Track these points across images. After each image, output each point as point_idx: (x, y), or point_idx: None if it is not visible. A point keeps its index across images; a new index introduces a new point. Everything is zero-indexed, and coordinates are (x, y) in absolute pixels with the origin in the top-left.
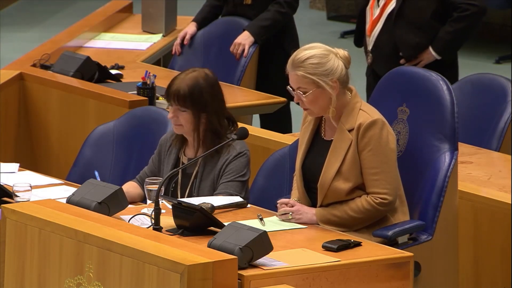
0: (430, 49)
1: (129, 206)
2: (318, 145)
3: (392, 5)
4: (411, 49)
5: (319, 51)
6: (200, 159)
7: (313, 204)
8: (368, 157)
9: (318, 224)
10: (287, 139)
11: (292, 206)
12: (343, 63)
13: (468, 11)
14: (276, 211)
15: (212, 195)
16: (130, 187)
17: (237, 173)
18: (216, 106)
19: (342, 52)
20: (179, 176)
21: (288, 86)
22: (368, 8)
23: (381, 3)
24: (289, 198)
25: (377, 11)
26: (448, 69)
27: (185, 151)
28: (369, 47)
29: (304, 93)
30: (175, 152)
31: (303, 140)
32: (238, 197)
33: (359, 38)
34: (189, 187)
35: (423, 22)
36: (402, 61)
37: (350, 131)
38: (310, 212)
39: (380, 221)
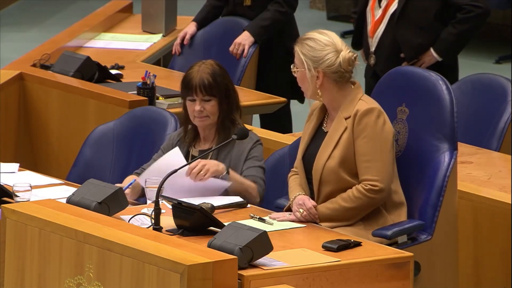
0: (432, 50)
1: (129, 206)
2: (318, 137)
3: (394, 6)
4: (413, 50)
5: (322, 38)
6: (213, 151)
7: (312, 196)
8: (362, 144)
9: (318, 223)
10: (287, 139)
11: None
12: (340, 62)
13: (473, 13)
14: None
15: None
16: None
17: (258, 160)
18: (234, 91)
19: (346, 53)
20: None
21: None
22: (368, 9)
23: (383, 4)
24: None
25: (379, 12)
26: (449, 71)
27: (196, 145)
28: (372, 49)
29: (295, 68)
30: (185, 146)
31: (305, 134)
32: (238, 197)
33: (358, 40)
34: None
35: (426, 23)
36: (404, 63)
37: (347, 119)
38: None
39: (376, 215)
